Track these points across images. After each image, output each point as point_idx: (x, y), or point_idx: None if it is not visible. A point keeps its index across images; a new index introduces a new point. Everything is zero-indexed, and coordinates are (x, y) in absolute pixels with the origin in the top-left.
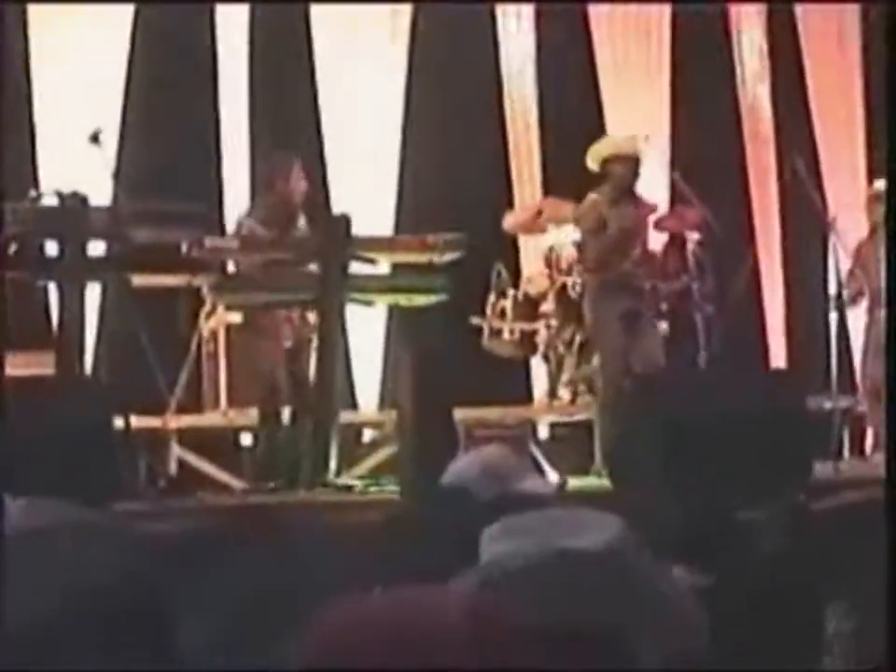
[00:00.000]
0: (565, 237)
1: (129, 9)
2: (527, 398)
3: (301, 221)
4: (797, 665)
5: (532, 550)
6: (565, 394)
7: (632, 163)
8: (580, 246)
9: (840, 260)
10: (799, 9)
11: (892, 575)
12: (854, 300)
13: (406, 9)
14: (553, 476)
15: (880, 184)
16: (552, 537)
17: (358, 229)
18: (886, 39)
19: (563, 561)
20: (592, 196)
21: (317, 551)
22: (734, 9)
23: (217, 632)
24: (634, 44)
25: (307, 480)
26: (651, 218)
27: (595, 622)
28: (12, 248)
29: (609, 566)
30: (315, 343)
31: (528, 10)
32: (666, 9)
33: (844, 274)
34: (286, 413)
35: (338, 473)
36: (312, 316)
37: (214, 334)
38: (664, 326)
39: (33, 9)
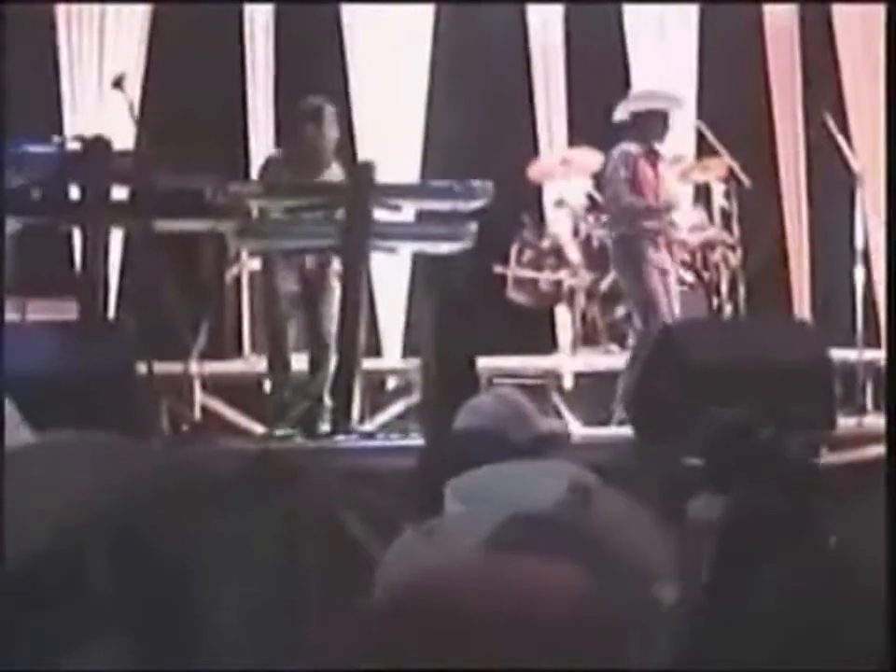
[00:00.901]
0: (581, 186)
1: None
2: (551, 347)
3: (335, 167)
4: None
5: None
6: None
7: (662, 118)
8: (592, 197)
9: (867, 213)
10: None
11: (892, 574)
12: None
13: None
14: (571, 424)
15: None
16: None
17: (383, 175)
18: (886, 39)
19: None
20: (624, 147)
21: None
22: None
23: (235, 579)
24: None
25: (330, 426)
26: (676, 170)
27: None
28: (35, 193)
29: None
30: (337, 290)
31: None
32: None
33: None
34: (303, 360)
35: (361, 420)
36: (334, 262)
37: (237, 280)
38: (689, 276)
39: None
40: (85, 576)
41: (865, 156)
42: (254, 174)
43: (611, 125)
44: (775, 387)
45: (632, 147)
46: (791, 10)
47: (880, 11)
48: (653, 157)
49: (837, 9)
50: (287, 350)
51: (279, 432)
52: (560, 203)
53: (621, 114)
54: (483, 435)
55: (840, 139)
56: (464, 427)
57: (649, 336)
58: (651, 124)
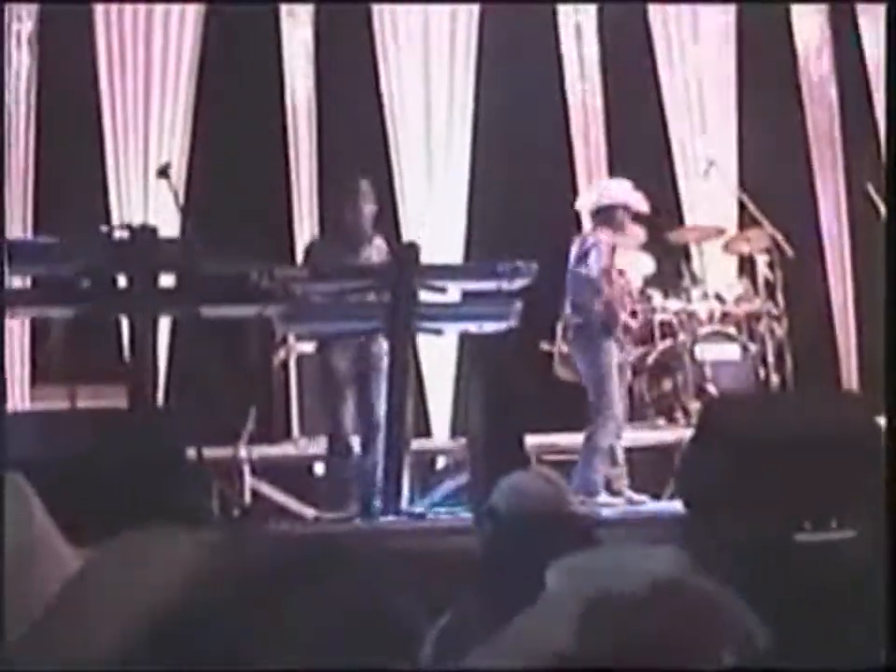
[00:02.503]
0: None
1: (196, 44)
2: None
3: (377, 241)
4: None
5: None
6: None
7: (624, 211)
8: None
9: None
10: (866, 32)
11: (892, 574)
12: None
13: (472, 30)
14: (619, 501)
15: None
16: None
17: (427, 256)
18: (886, 40)
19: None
20: (598, 235)
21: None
22: (798, 28)
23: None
24: (699, 65)
25: (380, 508)
26: (719, 242)
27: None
28: (84, 282)
29: (668, 601)
30: (385, 372)
31: (592, 40)
32: (731, 33)
33: None
34: (355, 442)
35: (411, 501)
36: (382, 344)
37: (284, 364)
38: (734, 348)
39: (101, 46)
40: None
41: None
42: (299, 257)
43: (653, 199)
44: (823, 459)
45: (603, 237)
46: (829, 78)
47: None
48: (614, 247)
49: (875, 76)
50: (347, 430)
51: (330, 515)
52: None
53: (589, 204)
54: (526, 516)
55: (882, 207)
56: (507, 506)
57: (600, 416)
58: (615, 216)
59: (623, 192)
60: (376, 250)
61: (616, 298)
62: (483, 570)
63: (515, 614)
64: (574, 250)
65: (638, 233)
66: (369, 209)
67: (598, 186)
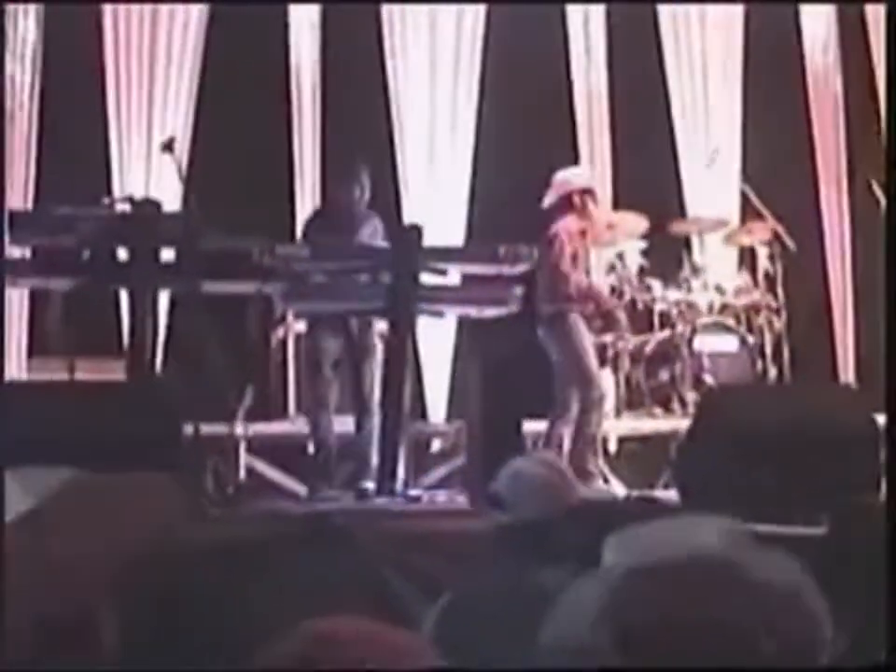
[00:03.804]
0: (628, 250)
1: (203, 20)
2: None
3: (376, 222)
4: None
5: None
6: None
7: (589, 195)
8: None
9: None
10: (872, 25)
11: (892, 574)
12: None
13: (480, 18)
14: (617, 488)
15: None
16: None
17: (429, 239)
18: (887, 40)
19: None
20: (562, 223)
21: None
22: (804, 20)
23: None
24: (705, 56)
25: (375, 488)
26: (720, 234)
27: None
28: (84, 254)
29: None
30: (380, 351)
31: (599, 28)
32: (738, 25)
33: None
34: (349, 422)
35: (406, 483)
36: (377, 323)
37: (283, 342)
38: (732, 339)
39: (107, 18)
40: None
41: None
42: (300, 235)
43: (656, 189)
44: (819, 452)
45: (562, 224)
46: (835, 71)
47: None
48: (583, 233)
49: (881, 71)
50: (329, 412)
51: (323, 494)
52: (611, 268)
53: (549, 199)
54: (529, 500)
55: (884, 202)
56: (508, 491)
57: (587, 400)
58: (571, 203)
59: (566, 178)
60: (370, 231)
61: (584, 282)
62: (488, 553)
63: (521, 597)
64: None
65: (606, 215)
66: (363, 193)
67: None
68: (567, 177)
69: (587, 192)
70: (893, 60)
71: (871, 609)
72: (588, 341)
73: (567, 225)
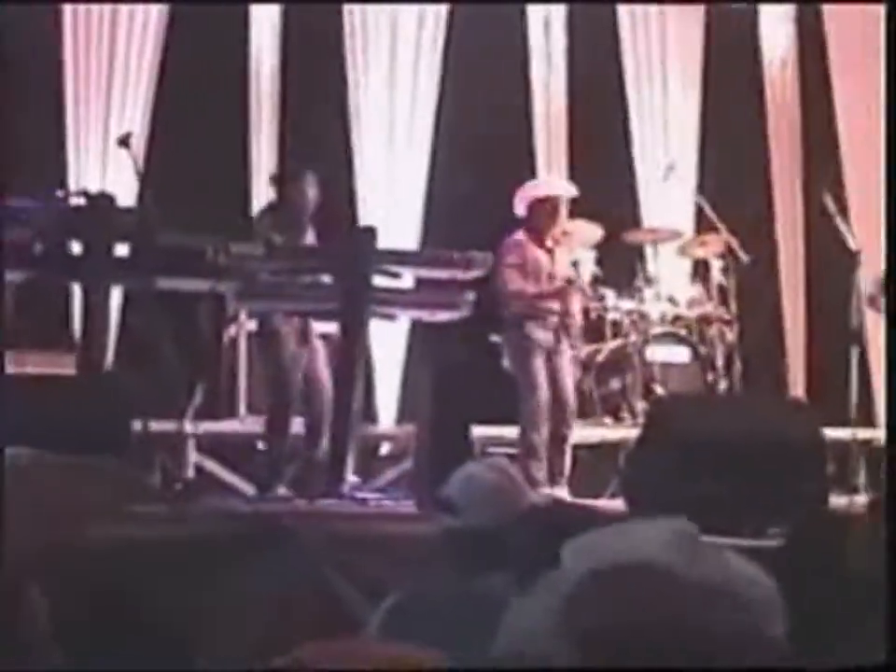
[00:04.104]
0: (583, 259)
1: (163, 18)
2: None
3: (310, 232)
4: None
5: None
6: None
7: (552, 205)
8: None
9: (863, 293)
10: (832, 41)
11: (892, 575)
12: None
13: (441, 23)
14: (559, 494)
15: None
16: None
17: (384, 242)
18: (886, 40)
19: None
20: (514, 236)
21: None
22: (764, 35)
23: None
24: (665, 67)
25: (323, 490)
26: (673, 246)
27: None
28: (37, 247)
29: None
30: (335, 354)
31: (560, 37)
32: (698, 38)
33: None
34: (299, 424)
35: (354, 486)
36: (332, 327)
37: (234, 341)
38: (684, 350)
39: (67, 11)
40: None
41: (864, 235)
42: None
43: (612, 199)
44: (768, 465)
45: (520, 235)
46: (792, 87)
47: (880, 89)
48: (544, 242)
49: (839, 86)
50: (290, 412)
51: (272, 494)
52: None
53: (519, 209)
54: (479, 505)
55: (839, 220)
56: (459, 496)
57: (528, 419)
58: (540, 212)
59: (526, 190)
60: (309, 240)
61: (528, 290)
62: (439, 557)
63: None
64: None
65: (566, 226)
66: (311, 196)
67: None
68: (529, 187)
69: (547, 200)
70: (893, 60)
71: (830, 614)
72: (533, 349)
73: (517, 237)
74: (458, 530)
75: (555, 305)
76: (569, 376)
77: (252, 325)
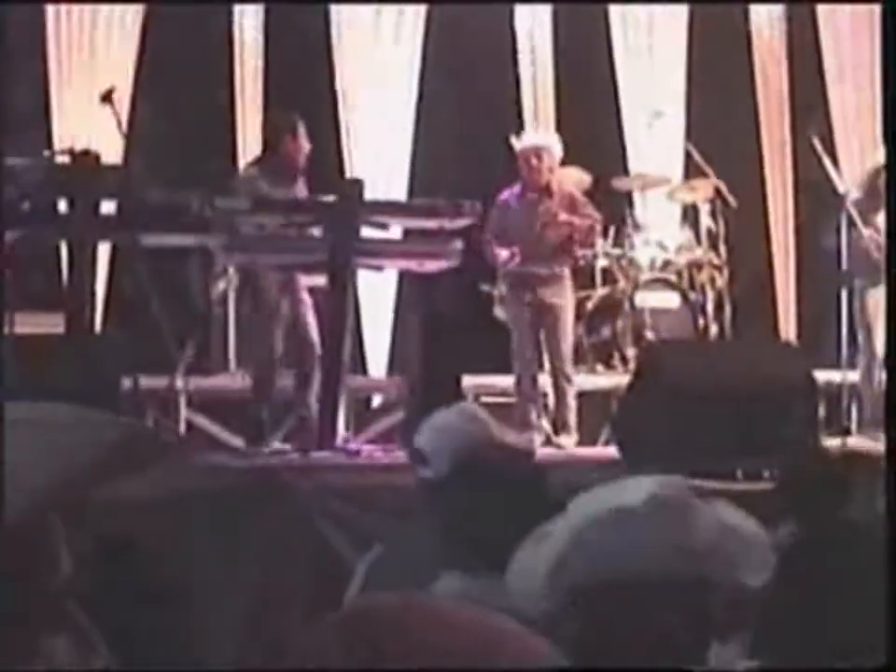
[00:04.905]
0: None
1: None
2: (538, 366)
3: (300, 183)
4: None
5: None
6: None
7: (534, 156)
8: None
9: (851, 235)
10: None
11: (893, 576)
12: None
13: None
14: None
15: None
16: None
17: (371, 193)
18: (882, 40)
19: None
20: (501, 195)
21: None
22: None
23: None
24: (650, 15)
25: (314, 443)
26: (662, 190)
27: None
28: (24, 206)
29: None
30: (323, 307)
31: None
32: None
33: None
34: (289, 377)
35: (346, 437)
36: (320, 279)
37: (224, 295)
38: (674, 296)
39: None
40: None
41: (851, 177)
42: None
43: (599, 146)
44: (759, 408)
45: (505, 193)
46: (779, 31)
47: (868, 31)
48: (528, 195)
49: (825, 30)
50: (274, 365)
51: (264, 448)
52: None
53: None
54: (450, 453)
55: (826, 161)
56: (430, 445)
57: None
58: (522, 164)
59: (519, 139)
60: (299, 191)
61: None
62: (417, 507)
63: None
64: None
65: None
66: (304, 147)
67: None
68: (520, 139)
69: (535, 152)
70: (892, 60)
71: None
72: (517, 300)
73: (508, 188)
74: (427, 481)
75: (541, 270)
76: (559, 326)
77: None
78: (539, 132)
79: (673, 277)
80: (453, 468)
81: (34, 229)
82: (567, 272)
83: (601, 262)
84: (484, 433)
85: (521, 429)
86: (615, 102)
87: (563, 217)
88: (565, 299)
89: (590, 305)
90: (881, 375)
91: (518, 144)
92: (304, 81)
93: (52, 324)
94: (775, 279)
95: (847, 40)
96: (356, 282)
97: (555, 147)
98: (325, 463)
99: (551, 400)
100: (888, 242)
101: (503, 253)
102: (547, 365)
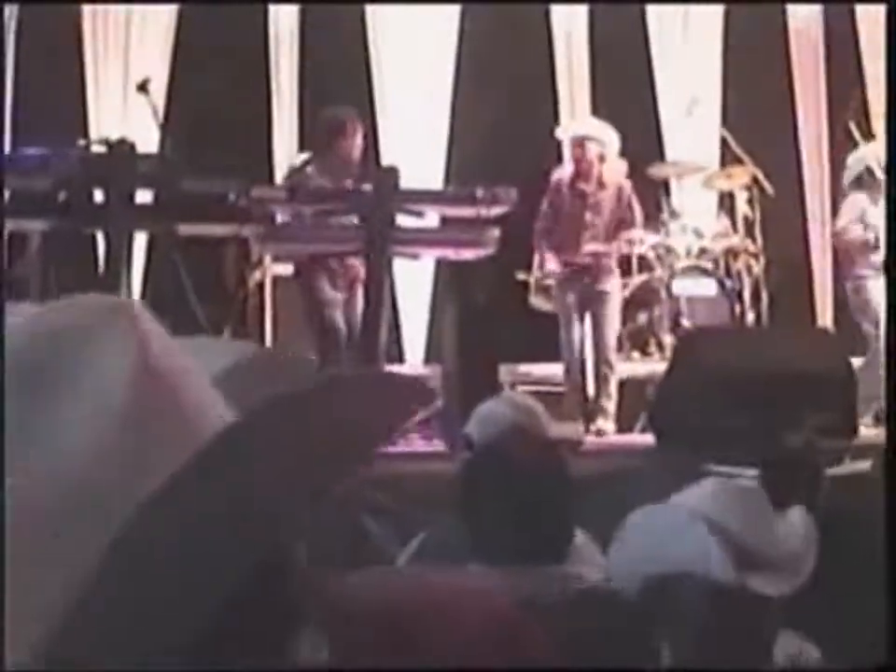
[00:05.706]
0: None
1: None
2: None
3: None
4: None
5: None
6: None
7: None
8: None
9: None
10: None
11: (893, 576)
12: None
13: None
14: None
15: None
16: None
17: (407, 181)
18: (887, 40)
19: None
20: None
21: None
22: None
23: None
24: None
25: None
26: (699, 178)
27: None
28: (61, 196)
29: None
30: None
31: None
32: None
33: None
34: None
35: None
36: (361, 269)
37: (260, 286)
38: (710, 283)
39: None
40: None
41: (890, 163)
42: (278, 178)
43: (635, 133)
44: (796, 396)
45: (559, 176)
46: (815, 18)
47: None
48: (580, 184)
49: (862, 16)
50: (339, 350)
51: None
52: None
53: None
54: (498, 444)
55: (864, 147)
56: (476, 433)
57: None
58: (574, 153)
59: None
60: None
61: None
62: (460, 495)
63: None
64: None
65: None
66: (358, 144)
67: None
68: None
69: (584, 141)
70: (893, 59)
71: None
72: (566, 286)
73: (554, 176)
74: (473, 467)
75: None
76: (606, 313)
77: (277, 269)
78: (593, 120)
79: (709, 265)
80: (494, 455)
81: (70, 219)
82: (613, 260)
83: (638, 250)
84: (532, 423)
85: (568, 418)
86: (651, 89)
87: (611, 207)
88: (612, 286)
89: (627, 293)
90: None
91: (570, 132)
92: (340, 70)
93: None
94: (811, 266)
95: (885, 26)
96: (392, 270)
97: (607, 138)
98: None
99: (591, 388)
100: (888, 242)
101: (551, 265)
102: (589, 352)
